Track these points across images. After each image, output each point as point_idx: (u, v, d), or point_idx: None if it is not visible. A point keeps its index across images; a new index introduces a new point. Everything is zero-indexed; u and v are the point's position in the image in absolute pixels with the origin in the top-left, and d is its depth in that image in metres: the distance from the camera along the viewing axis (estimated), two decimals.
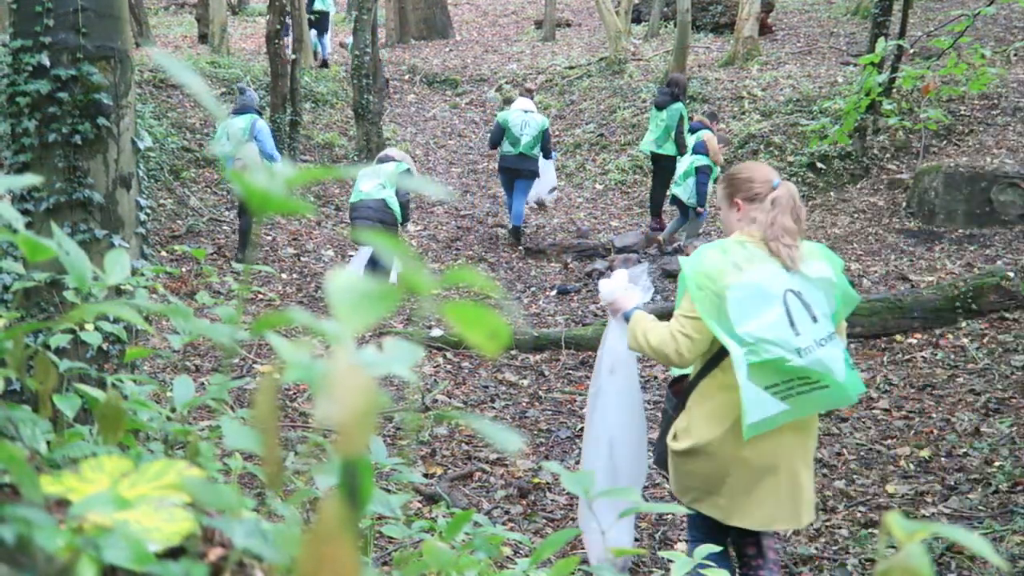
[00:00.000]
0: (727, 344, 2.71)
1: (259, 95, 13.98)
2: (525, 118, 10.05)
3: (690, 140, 9.90)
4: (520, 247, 10.48)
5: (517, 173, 10.10)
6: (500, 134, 10.13)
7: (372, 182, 8.03)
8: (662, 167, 10.67)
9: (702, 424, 2.90)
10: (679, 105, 10.32)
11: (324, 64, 17.70)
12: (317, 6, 17.41)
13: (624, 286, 3.34)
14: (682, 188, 9.62)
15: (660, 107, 10.37)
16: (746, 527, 2.94)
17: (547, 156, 10.41)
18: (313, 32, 17.43)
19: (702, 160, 9.48)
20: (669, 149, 10.42)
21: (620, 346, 3.41)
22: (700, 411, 2.92)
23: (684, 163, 9.73)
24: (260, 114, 9.09)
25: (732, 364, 2.75)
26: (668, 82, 10.66)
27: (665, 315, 3.12)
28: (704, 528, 3.03)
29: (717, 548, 1.79)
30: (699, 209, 9.68)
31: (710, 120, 10.22)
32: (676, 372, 3.15)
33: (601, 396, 3.56)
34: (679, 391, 3.09)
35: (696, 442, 2.89)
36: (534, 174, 10.15)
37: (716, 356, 2.91)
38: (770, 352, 2.70)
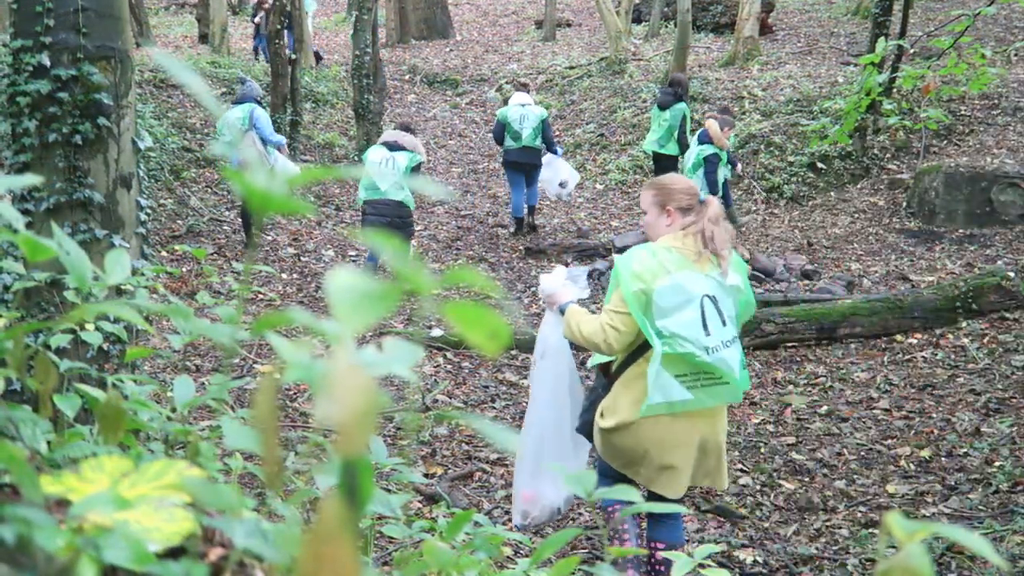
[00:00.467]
0: (651, 339, 3.11)
1: (261, 94, 13.99)
2: (523, 112, 10.24)
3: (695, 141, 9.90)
4: (526, 237, 10.58)
5: (522, 166, 10.33)
6: (502, 130, 10.33)
7: (389, 180, 7.94)
8: (664, 167, 10.67)
9: (627, 406, 3.26)
10: (682, 105, 10.32)
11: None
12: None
13: (563, 282, 3.61)
14: (693, 181, 9.59)
15: (663, 107, 10.37)
16: (665, 495, 3.31)
17: (551, 149, 10.56)
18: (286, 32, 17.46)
19: (709, 149, 9.47)
20: (672, 149, 10.43)
21: (552, 336, 3.75)
22: (625, 394, 3.29)
23: (691, 156, 9.72)
24: (260, 103, 9.14)
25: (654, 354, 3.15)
26: (670, 82, 10.66)
27: None
28: (612, 474, 3.38)
29: (717, 548, 1.79)
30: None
31: (723, 114, 10.29)
32: (600, 359, 3.49)
33: (534, 381, 3.91)
34: (607, 372, 3.43)
35: (620, 421, 3.27)
36: (538, 166, 10.36)
37: (641, 347, 3.27)
38: (683, 347, 3.10)
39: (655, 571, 3.46)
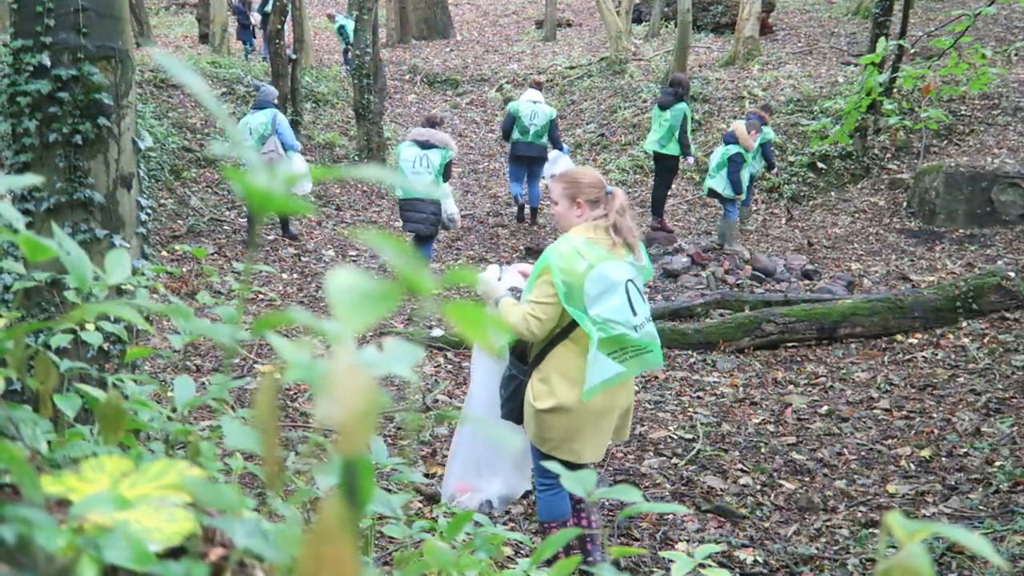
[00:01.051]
0: (585, 326, 3.37)
1: None
2: (534, 108, 10.67)
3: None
4: (527, 232, 10.61)
5: (529, 160, 10.79)
6: (511, 123, 10.71)
7: (424, 179, 8.02)
8: (665, 167, 10.68)
9: (563, 387, 3.50)
10: (683, 105, 10.32)
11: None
12: (268, 9, 17.42)
13: (497, 278, 3.88)
14: (717, 180, 9.60)
15: (663, 107, 10.37)
16: (590, 461, 3.64)
17: (558, 147, 10.97)
18: (261, 33, 17.49)
19: (733, 149, 9.48)
20: (673, 149, 10.43)
21: None
22: (560, 376, 3.51)
23: (716, 155, 9.72)
24: (278, 108, 9.46)
25: (583, 336, 3.44)
26: (671, 82, 10.65)
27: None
28: (538, 459, 3.65)
29: (717, 548, 1.79)
30: (739, 196, 9.65)
31: (764, 112, 10.30)
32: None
33: (472, 374, 4.06)
34: (521, 355, 3.71)
35: (558, 402, 3.49)
36: (542, 160, 10.82)
37: (566, 329, 3.51)
38: (616, 329, 3.38)
39: (576, 510, 3.85)
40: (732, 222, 9.77)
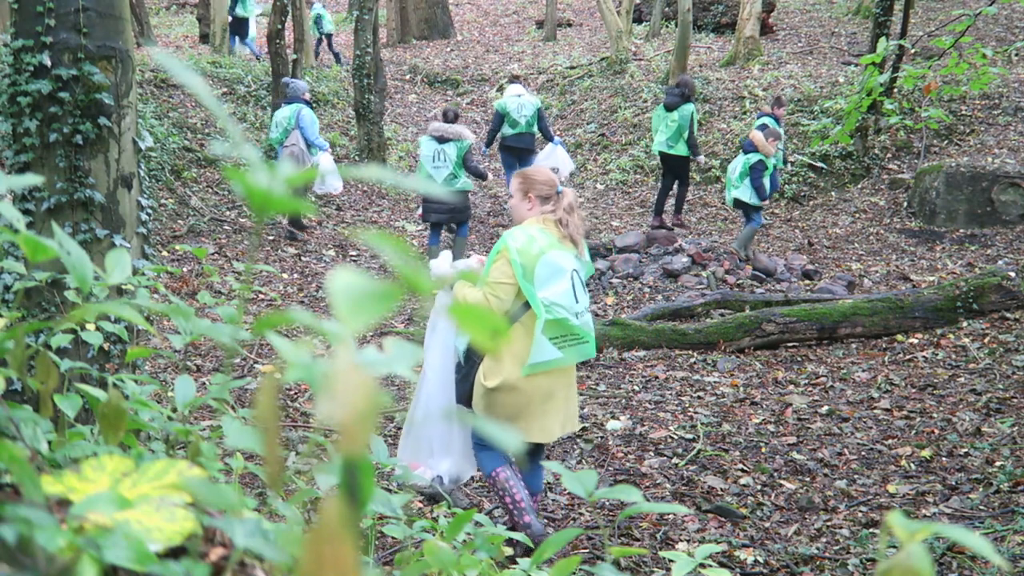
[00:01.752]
0: (536, 307, 3.62)
1: (260, 95, 14.00)
2: (520, 101, 11.07)
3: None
4: None
5: (518, 151, 11.12)
6: (500, 121, 11.11)
7: (443, 173, 8.45)
8: (673, 167, 10.66)
9: (510, 366, 3.72)
10: (690, 106, 10.30)
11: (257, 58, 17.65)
12: (238, 11, 17.39)
13: (450, 265, 4.06)
14: (741, 190, 9.50)
15: (670, 108, 10.35)
16: (538, 441, 3.86)
17: (549, 138, 11.32)
18: (236, 38, 17.50)
19: (755, 157, 9.41)
20: (681, 149, 10.42)
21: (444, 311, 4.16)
22: (510, 356, 3.72)
23: (737, 165, 9.63)
24: (308, 104, 9.67)
25: (532, 319, 3.68)
26: (677, 83, 10.63)
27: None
28: (489, 444, 3.91)
29: (718, 548, 1.79)
30: (764, 203, 9.62)
31: (777, 106, 10.26)
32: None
33: (426, 354, 4.21)
34: None
35: (504, 380, 3.72)
36: (533, 151, 11.18)
37: (517, 312, 3.74)
38: (559, 313, 3.66)
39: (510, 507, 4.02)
40: (754, 229, 9.71)
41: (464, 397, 3.97)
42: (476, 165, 8.75)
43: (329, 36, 19.16)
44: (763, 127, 9.72)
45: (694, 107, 10.41)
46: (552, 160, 10.89)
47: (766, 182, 9.47)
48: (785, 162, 10.83)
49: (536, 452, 4.11)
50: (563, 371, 3.84)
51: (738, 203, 9.62)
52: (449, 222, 8.87)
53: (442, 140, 8.48)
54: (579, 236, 3.83)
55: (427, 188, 0.72)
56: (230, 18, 17.15)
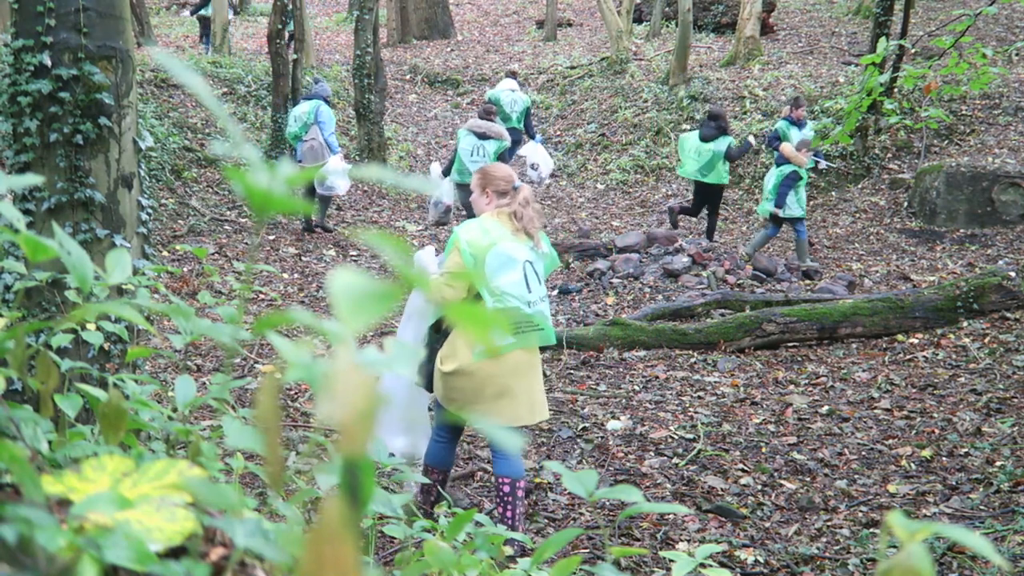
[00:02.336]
0: (484, 294, 3.76)
1: (261, 95, 14.00)
2: (513, 96, 11.96)
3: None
4: None
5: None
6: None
7: (479, 165, 8.75)
8: (707, 195, 10.51)
9: (464, 352, 3.89)
10: (727, 139, 10.07)
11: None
12: (203, 13, 17.40)
13: (432, 258, 4.25)
14: (775, 202, 9.43)
15: (706, 140, 10.12)
16: (504, 423, 3.79)
17: (531, 135, 12.03)
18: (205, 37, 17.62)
19: (788, 168, 9.32)
20: (714, 178, 10.23)
21: (417, 300, 4.40)
22: (464, 343, 3.90)
23: (771, 178, 9.53)
24: (328, 102, 10.11)
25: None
26: (712, 115, 10.26)
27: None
28: (447, 426, 4.16)
29: (718, 548, 1.80)
30: (777, 212, 9.46)
31: (795, 107, 10.20)
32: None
33: (399, 334, 4.45)
34: (438, 328, 4.16)
35: (459, 365, 3.89)
36: (518, 144, 11.93)
37: (472, 300, 3.86)
38: (510, 302, 3.87)
39: (504, 502, 4.09)
40: (803, 240, 9.63)
41: (425, 381, 4.17)
42: (510, 154, 9.40)
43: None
44: (776, 138, 9.59)
45: (732, 140, 10.21)
46: (533, 156, 11.03)
47: (792, 195, 9.36)
48: (818, 162, 10.71)
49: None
50: (522, 358, 4.00)
51: (775, 218, 9.52)
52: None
53: (483, 137, 9.24)
54: (534, 229, 4.01)
55: (426, 187, 0.72)
56: (196, 17, 17.24)
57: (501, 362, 3.93)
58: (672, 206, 10.92)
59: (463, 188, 9.14)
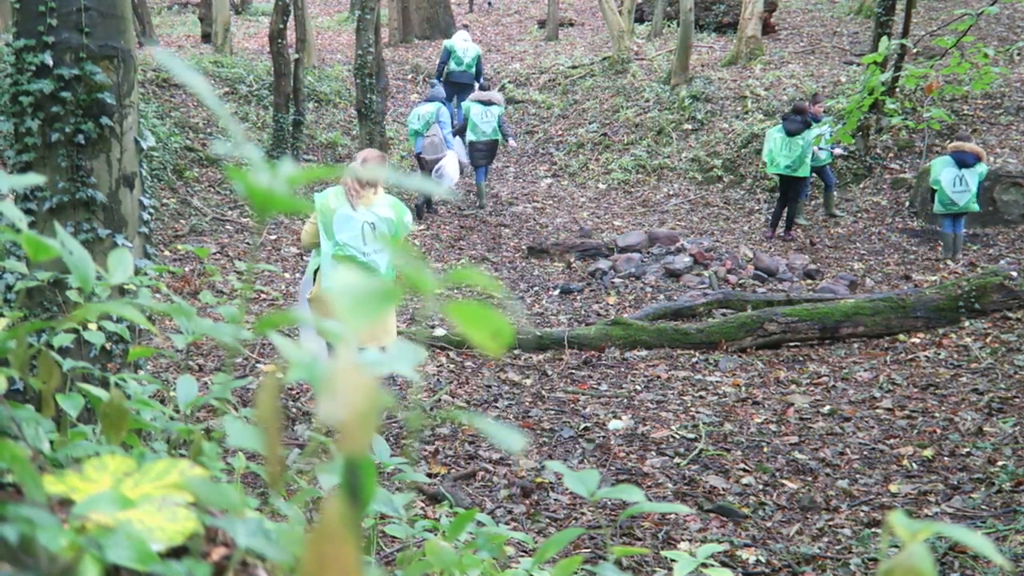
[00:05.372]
0: (324, 243, 5.04)
1: (263, 95, 14.01)
2: (466, 46, 14.39)
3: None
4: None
5: (460, 85, 14.25)
6: (447, 56, 14.33)
7: (490, 125, 11.54)
8: (793, 187, 10.89)
9: (318, 283, 5.15)
10: (812, 131, 10.37)
11: None
12: None
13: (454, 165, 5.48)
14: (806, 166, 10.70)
15: (793, 134, 10.55)
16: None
17: (479, 79, 14.40)
18: None
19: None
20: (803, 172, 10.69)
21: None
22: (316, 278, 5.20)
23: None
24: (446, 104, 11.71)
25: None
26: (796, 109, 10.81)
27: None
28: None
29: (719, 548, 1.79)
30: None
31: (813, 103, 10.38)
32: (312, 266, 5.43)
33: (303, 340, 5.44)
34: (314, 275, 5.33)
35: (315, 293, 5.16)
36: (471, 87, 14.13)
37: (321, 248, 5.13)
38: (348, 251, 5.05)
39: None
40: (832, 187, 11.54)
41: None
42: (506, 126, 11.78)
43: None
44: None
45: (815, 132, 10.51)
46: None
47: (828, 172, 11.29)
48: (833, 153, 11.29)
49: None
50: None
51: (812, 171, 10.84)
52: (487, 163, 11.79)
53: (487, 104, 11.54)
54: (367, 202, 5.06)
55: (426, 186, 0.72)
56: None
57: (324, 296, 5.08)
58: (770, 234, 11.28)
59: (478, 144, 11.50)
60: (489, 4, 27.03)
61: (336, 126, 14.62)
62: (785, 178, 10.81)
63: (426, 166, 11.10)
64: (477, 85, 14.18)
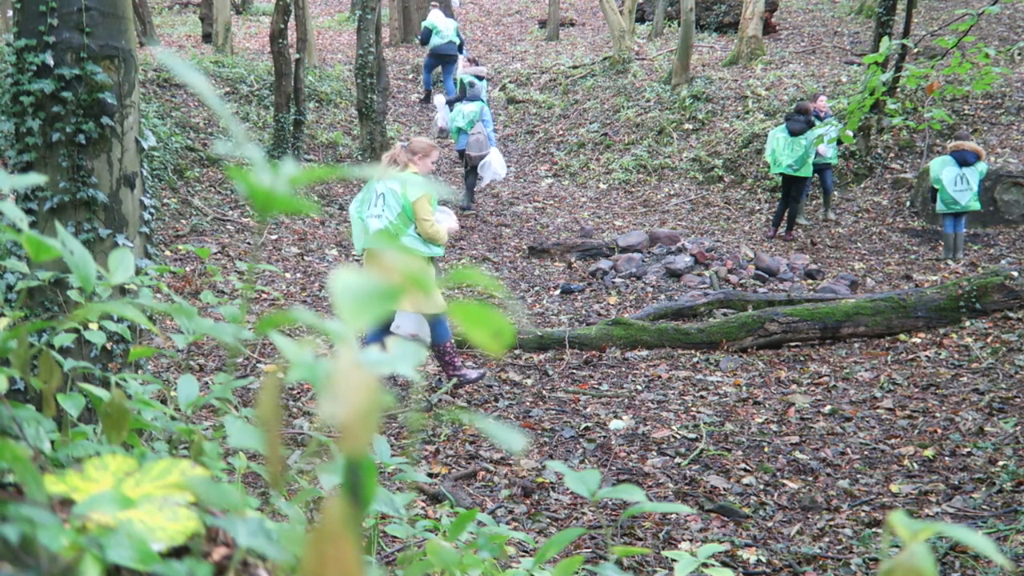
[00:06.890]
0: (352, 210, 5.99)
1: (264, 95, 14.01)
2: (445, 22, 15.78)
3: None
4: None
5: (446, 57, 15.84)
6: (428, 34, 15.81)
7: (471, 107, 11.56)
8: (795, 187, 11.01)
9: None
10: (814, 131, 10.46)
11: None
12: None
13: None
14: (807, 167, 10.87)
15: (796, 133, 10.67)
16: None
17: (461, 50, 15.88)
18: None
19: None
20: (806, 172, 10.80)
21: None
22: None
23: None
24: (486, 103, 12.06)
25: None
26: (799, 110, 10.95)
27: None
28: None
29: (720, 548, 1.80)
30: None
31: (813, 100, 10.50)
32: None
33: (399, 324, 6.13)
34: None
35: (357, 252, 6.06)
36: (455, 57, 15.80)
37: None
38: (363, 214, 5.81)
39: (444, 361, 6.08)
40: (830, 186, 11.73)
41: None
42: (489, 130, 11.86)
43: None
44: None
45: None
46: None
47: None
48: (839, 145, 11.53)
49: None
50: (373, 253, 5.82)
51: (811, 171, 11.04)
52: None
53: (479, 77, 11.96)
54: (396, 172, 5.31)
55: (426, 186, 0.72)
56: None
57: (369, 255, 5.91)
58: (771, 234, 11.37)
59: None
60: None
61: (337, 126, 14.62)
62: (788, 178, 10.86)
63: (471, 162, 11.30)
64: (463, 57, 15.72)
